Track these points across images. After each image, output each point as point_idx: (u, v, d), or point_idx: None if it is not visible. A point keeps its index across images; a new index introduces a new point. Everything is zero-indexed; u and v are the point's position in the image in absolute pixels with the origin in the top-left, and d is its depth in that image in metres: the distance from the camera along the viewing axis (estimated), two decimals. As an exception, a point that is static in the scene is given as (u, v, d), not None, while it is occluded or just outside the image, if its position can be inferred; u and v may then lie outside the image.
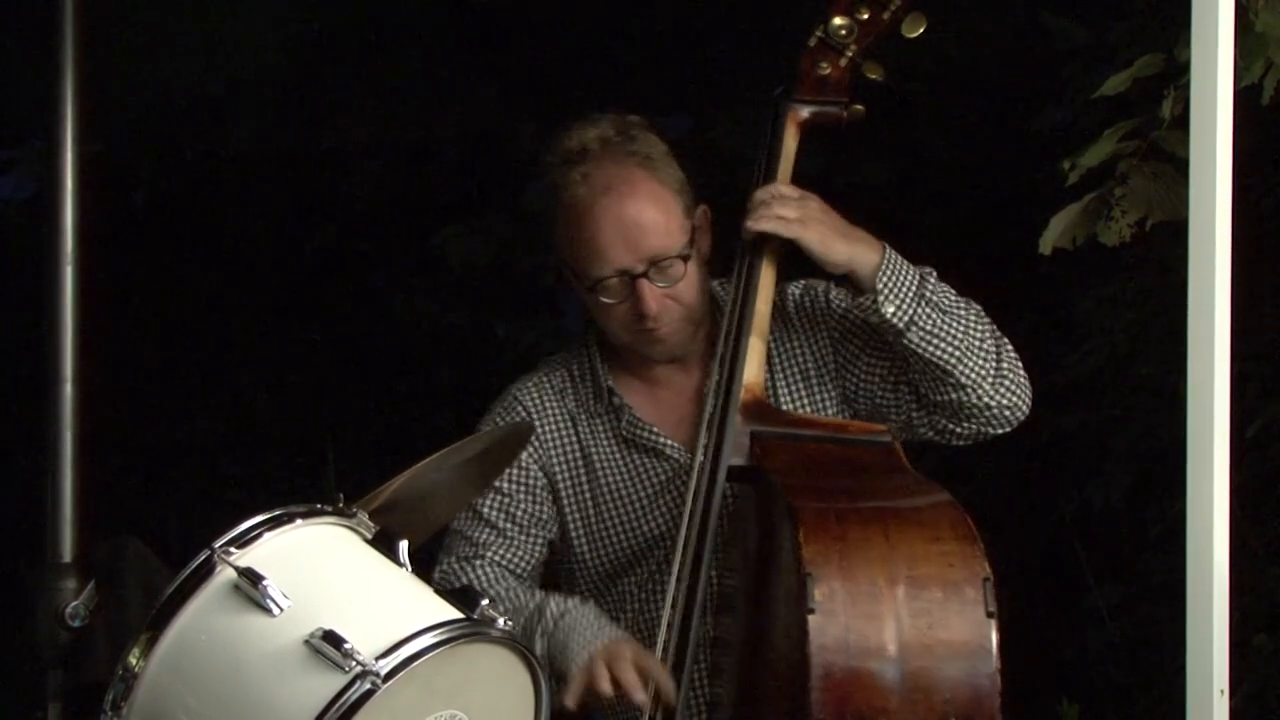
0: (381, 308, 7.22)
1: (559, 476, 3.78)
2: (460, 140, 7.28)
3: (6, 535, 5.29)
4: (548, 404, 3.81)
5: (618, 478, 3.77)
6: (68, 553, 4.59)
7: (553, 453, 3.79)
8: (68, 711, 4.17)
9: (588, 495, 3.78)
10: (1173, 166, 4.27)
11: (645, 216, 3.64)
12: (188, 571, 2.97)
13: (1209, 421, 3.42)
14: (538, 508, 3.78)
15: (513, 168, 7.30)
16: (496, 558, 3.76)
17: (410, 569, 3.08)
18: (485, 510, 3.77)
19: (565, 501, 3.78)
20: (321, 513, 3.09)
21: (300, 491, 3.21)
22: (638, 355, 3.76)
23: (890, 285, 3.56)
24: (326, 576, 3.04)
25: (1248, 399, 4.81)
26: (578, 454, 3.78)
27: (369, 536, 3.11)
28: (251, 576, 2.94)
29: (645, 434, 3.75)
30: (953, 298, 3.62)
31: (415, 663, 2.86)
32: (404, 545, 3.08)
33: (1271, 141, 4.78)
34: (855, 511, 3.38)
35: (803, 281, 3.78)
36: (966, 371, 3.59)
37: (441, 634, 2.90)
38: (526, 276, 7.22)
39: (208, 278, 7.17)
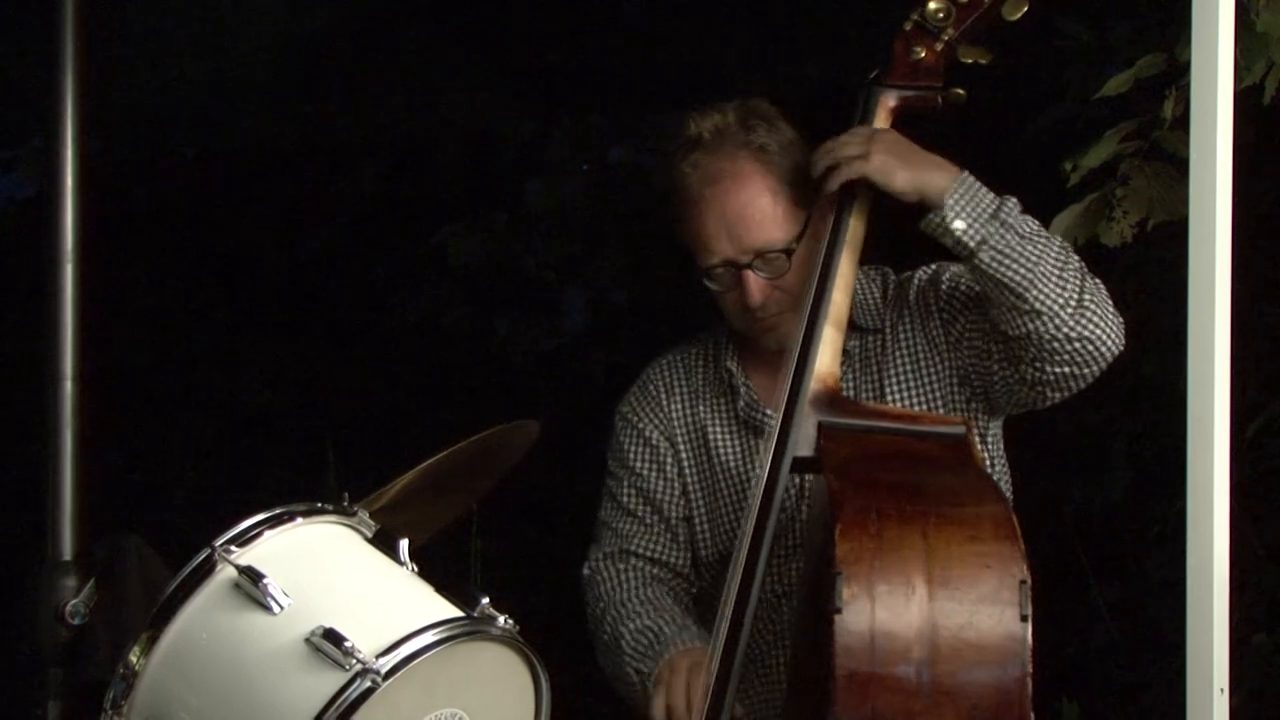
0: (382, 306, 7.22)
1: (682, 451, 3.80)
2: (460, 138, 7.29)
3: (7, 533, 5.29)
4: (676, 381, 3.84)
5: (733, 457, 3.77)
6: (68, 551, 4.59)
7: (676, 428, 3.81)
8: (68, 709, 4.18)
9: (706, 473, 3.79)
10: (1174, 167, 4.26)
11: (750, 209, 3.63)
12: (188, 570, 2.98)
13: (1209, 420, 3.42)
14: (669, 486, 3.80)
15: (513, 166, 7.31)
16: (644, 550, 3.79)
17: (411, 567, 3.08)
18: (624, 496, 3.81)
19: (688, 476, 3.80)
20: (322, 511, 3.10)
21: (301, 490, 3.20)
22: (756, 341, 3.75)
23: (960, 202, 3.48)
24: (327, 575, 3.04)
25: (1247, 398, 4.81)
26: (697, 433, 3.80)
27: (370, 535, 3.12)
28: (252, 575, 2.95)
29: (759, 416, 3.74)
30: (1034, 227, 3.53)
31: (415, 661, 2.87)
32: (405, 544, 3.09)
33: (1273, 141, 4.77)
34: (898, 510, 3.32)
35: (929, 268, 3.74)
36: (1041, 296, 3.47)
37: (441, 632, 2.91)
38: (526, 274, 7.23)
39: (208, 276, 7.19)
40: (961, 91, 3.65)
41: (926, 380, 3.72)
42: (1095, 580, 5.82)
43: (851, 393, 3.69)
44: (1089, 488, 5.87)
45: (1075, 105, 5.06)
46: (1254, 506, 4.95)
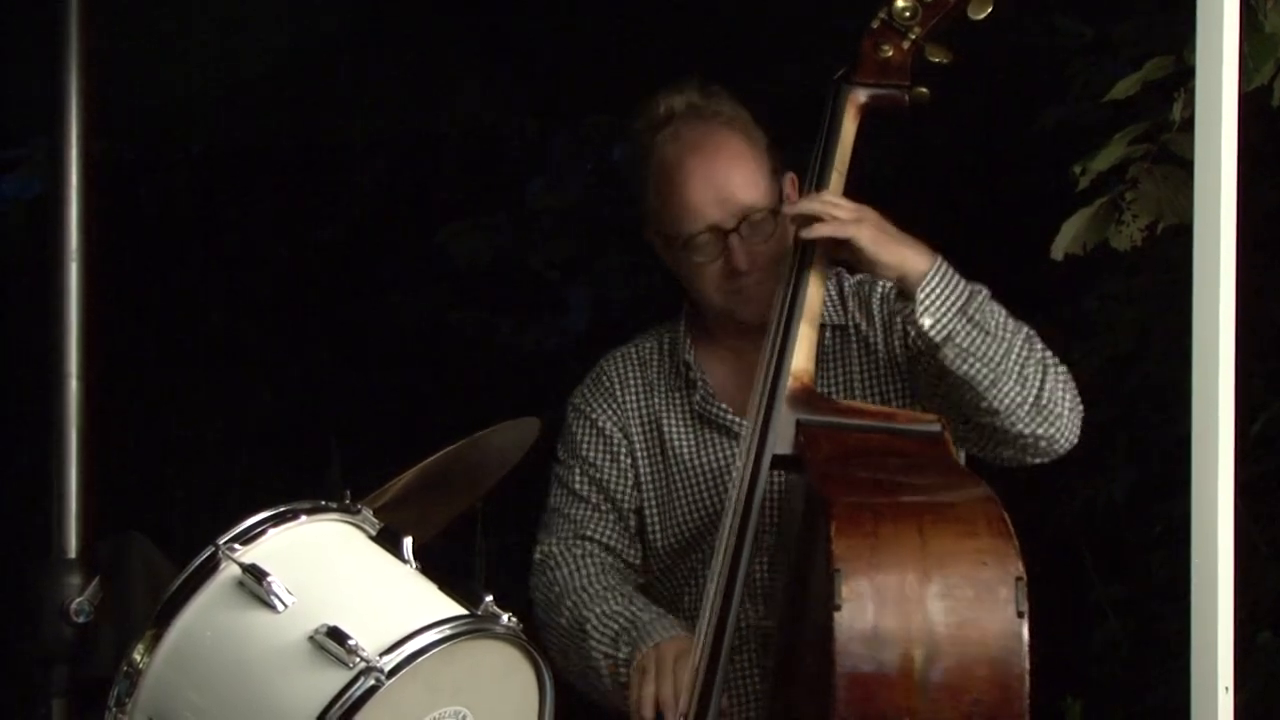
0: (385, 304, 7.23)
1: (636, 443, 3.81)
2: (463, 138, 7.30)
3: (11, 531, 5.29)
4: (630, 373, 3.85)
5: (687, 451, 3.79)
6: (73, 548, 4.58)
7: (631, 420, 3.82)
8: (72, 707, 4.17)
9: (660, 466, 3.80)
10: (1184, 170, 4.25)
11: (735, 173, 3.67)
12: (192, 568, 2.99)
13: (1214, 419, 3.41)
14: (622, 476, 3.81)
15: (515, 165, 7.31)
16: (598, 536, 3.80)
17: (415, 566, 3.08)
18: (575, 483, 3.82)
19: (641, 467, 3.81)
20: (326, 510, 3.10)
21: (304, 488, 3.20)
22: (725, 326, 3.76)
23: (932, 297, 3.52)
24: (331, 573, 3.04)
25: (1252, 397, 4.81)
26: (651, 425, 3.81)
27: (373, 533, 3.11)
28: (256, 573, 2.95)
29: (716, 410, 3.76)
30: (1000, 319, 3.56)
31: (419, 659, 2.87)
32: (408, 542, 3.09)
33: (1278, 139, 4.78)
34: (890, 506, 3.32)
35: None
36: (1000, 396, 3.54)
37: (445, 630, 2.91)
38: (529, 273, 7.23)
39: (212, 275, 7.18)
40: (926, 91, 3.68)
41: (888, 383, 3.76)
42: (1099, 579, 5.82)
43: (820, 388, 3.69)
44: (1093, 486, 5.86)
45: (1080, 105, 5.06)
46: (1258, 506, 4.95)
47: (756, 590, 3.64)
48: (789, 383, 3.53)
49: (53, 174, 4.76)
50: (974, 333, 3.53)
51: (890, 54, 3.65)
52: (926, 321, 3.52)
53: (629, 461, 3.82)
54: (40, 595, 4.55)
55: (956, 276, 3.55)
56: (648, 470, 3.81)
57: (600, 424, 3.82)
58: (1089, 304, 5.63)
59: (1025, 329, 3.61)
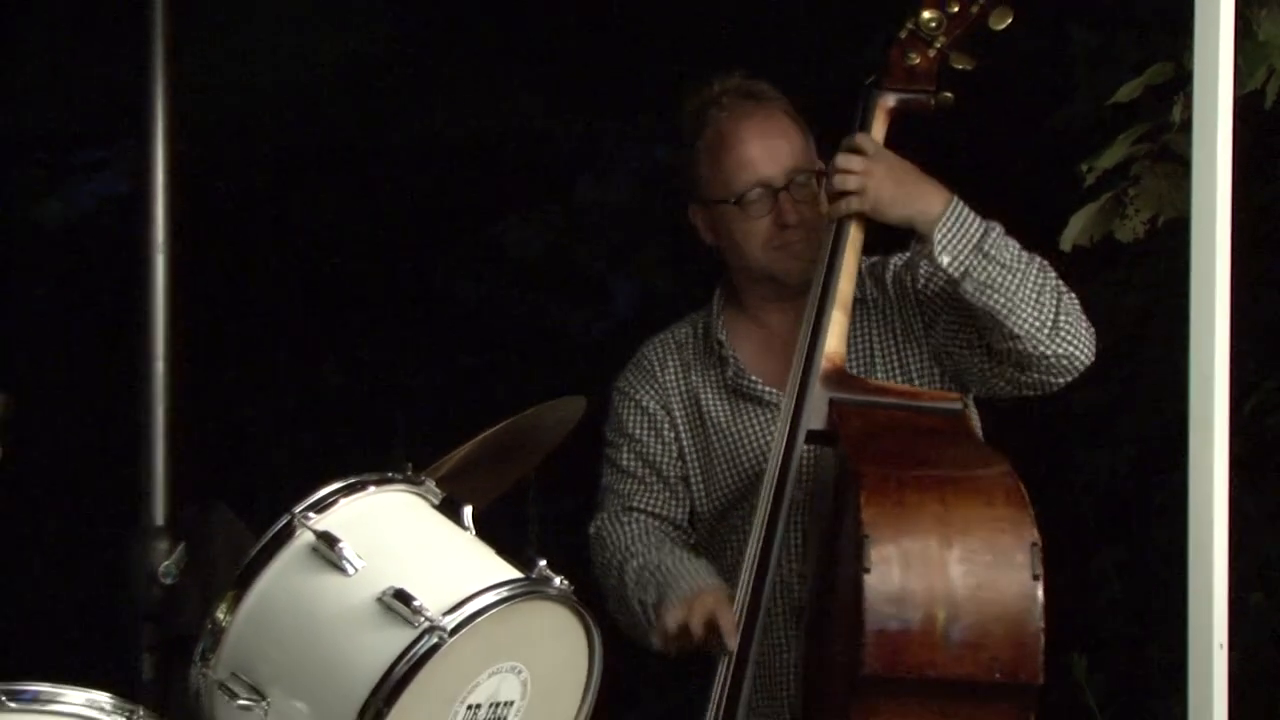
0: (446, 292, 7.23)
1: (678, 417, 3.81)
2: (517, 139, 7.28)
3: (105, 501, 5.31)
4: (668, 356, 3.85)
5: (724, 421, 3.78)
6: (160, 517, 4.62)
7: (672, 398, 3.82)
8: (160, 661, 4.19)
9: (700, 437, 3.80)
10: (1183, 168, 4.24)
11: (783, 137, 3.72)
12: (270, 534, 2.99)
13: (1209, 397, 3.41)
14: (666, 450, 3.81)
15: (565, 163, 7.31)
16: (645, 506, 3.80)
17: (474, 532, 3.09)
18: (624, 461, 3.83)
19: (684, 439, 3.81)
20: (392, 480, 3.10)
21: (372, 461, 3.21)
22: (761, 294, 3.77)
23: (948, 237, 3.53)
24: (397, 539, 3.05)
25: (1245, 377, 4.78)
26: (690, 400, 3.81)
27: (436, 502, 3.12)
28: (328, 539, 2.95)
29: (746, 383, 3.77)
30: (1014, 252, 3.57)
31: (479, 618, 2.87)
32: (468, 510, 3.09)
33: (1272, 142, 4.76)
34: (915, 478, 3.34)
35: (902, 255, 3.77)
36: (1020, 321, 3.54)
37: (503, 592, 2.91)
38: (578, 263, 7.23)
39: (287, 265, 7.19)
40: (950, 95, 3.67)
41: (907, 356, 3.75)
42: (1103, 545, 5.80)
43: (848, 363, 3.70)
44: (1097, 459, 5.85)
45: (1087, 108, 5.04)
46: (1250, 477, 4.92)
47: (791, 552, 3.64)
48: (822, 364, 3.55)
49: (140, 172, 4.78)
50: (990, 266, 3.54)
51: (917, 61, 3.64)
52: (945, 259, 3.53)
53: (672, 435, 3.82)
54: (131, 560, 4.58)
55: (971, 215, 3.56)
56: (690, 442, 3.81)
57: (643, 403, 3.83)
58: (1094, 291, 5.60)
59: (1038, 259, 3.61)
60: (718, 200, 3.74)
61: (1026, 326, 3.55)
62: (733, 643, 3.48)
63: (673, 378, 3.84)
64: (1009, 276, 3.55)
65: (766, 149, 3.70)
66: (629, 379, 3.87)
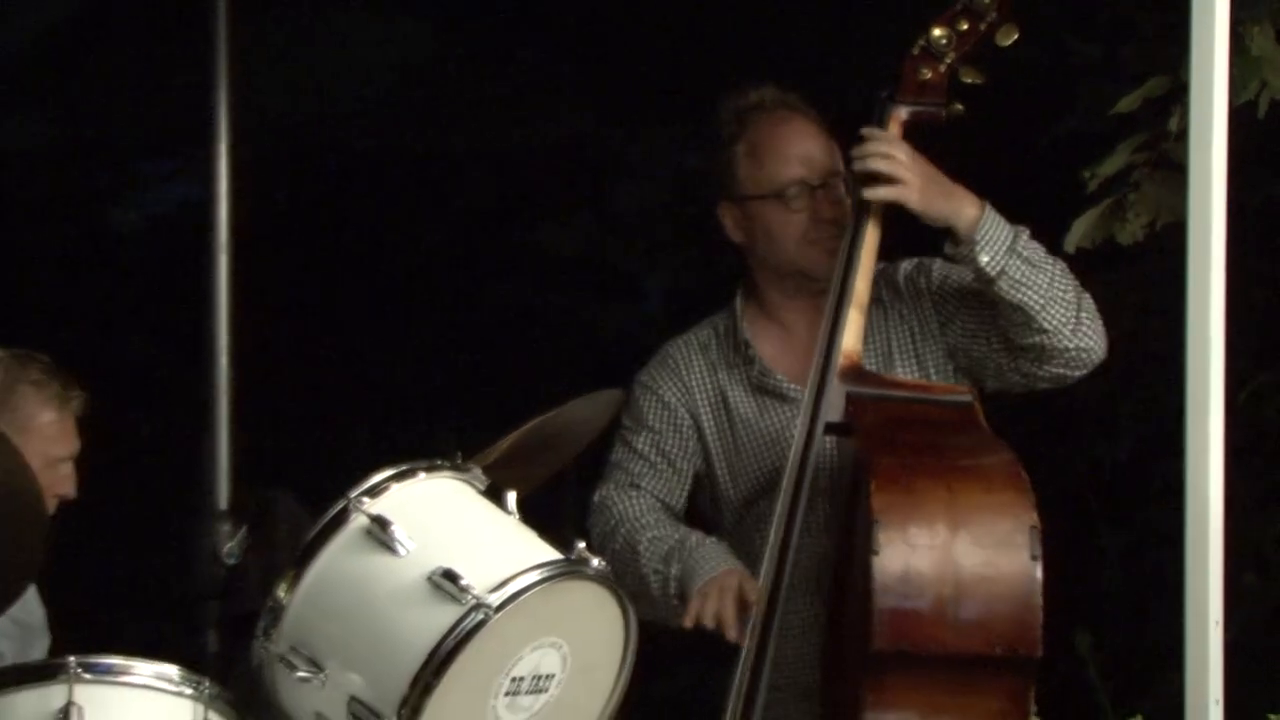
0: (490, 291, 7.23)
1: (703, 417, 3.78)
2: (556, 147, 7.28)
3: (173, 487, 5.34)
4: (693, 357, 3.82)
5: (751, 416, 3.76)
6: (224, 501, 4.64)
7: (697, 397, 3.79)
8: (225, 636, 4.21)
9: (728, 432, 3.78)
10: (1180, 174, 4.23)
11: (819, 140, 3.73)
12: (327, 518, 3.00)
13: (1206, 389, 3.40)
14: (683, 444, 3.78)
15: (600, 170, 7.31)
16: (651, 488, 3.78)
17: (517, 516, 3.09)
18: (639, 445, 3.79)
19: (709, 438, 3.78)
20: (441, 468, 3.10)
21: (422, 450, 3.21)
22: (784, 291, 3.75)
23: (986, 238, 3.54)
24: (445, 522, 3.05)
25: (1239, 369, 4.77)
26: (718, 398, 3.79)
27: (482, 488, 3.12)
28: (381, 522, 2.96)
29: (771, 381, 3.75)
30: (1042, 254, 3.59)
31: (522, 596, 2.88)
32: (512, 495, 3.09)
33: (1263, 150, 4.74)
34: (924, 466, 3.35)
35: (913, 260, 3.77)
36: (1049, 317, 3.55)
37: (544, 571, 2.92)
38: (612, 264, 7.23)
39: (342, 266, 7.20)
40: (961, 107, 3.67)
41: (923, 352, 3.74)
42: (1106, 528, 5.79)
43: (866, 360, 3.69)
44: (1100, 447, 5.83)
45: (1090, 118, 5.03)
46: (1244, 464, 4.91)
47: (812, 537, 3.64)
48: (840, 360, 3.55)
49: (206, 180, 4.81)
50: (1023, 266, 3.55)
51: (929, 76, 3.64)
52: (984, 259, 3.53)
53: (691, 431, 3.79)
54: (196, 542, 4.60)
55: (1002, 220, 3.57)
56: (716, 438, 3.78)
57: (665, 398, 3.79)
58: (1097, 290, 5.58)
59: (1060, 261, 3.63)
60: (757, 196, 3.72)
61: (1055, 322, 3.55)
62: (748, 632, 3.48)
63: (699, 378, 3.81)
64: (1040, 275, 3.56)
65: (806, 150, 3.70)
66: (652, 374, 3.83)
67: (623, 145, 7.23)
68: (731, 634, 3.49)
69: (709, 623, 3.50)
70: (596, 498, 3.79)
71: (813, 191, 3.69)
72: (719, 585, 3.53)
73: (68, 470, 3.74)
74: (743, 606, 3.49)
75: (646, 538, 3.67)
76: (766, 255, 3.76)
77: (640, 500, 3.76)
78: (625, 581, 3.59)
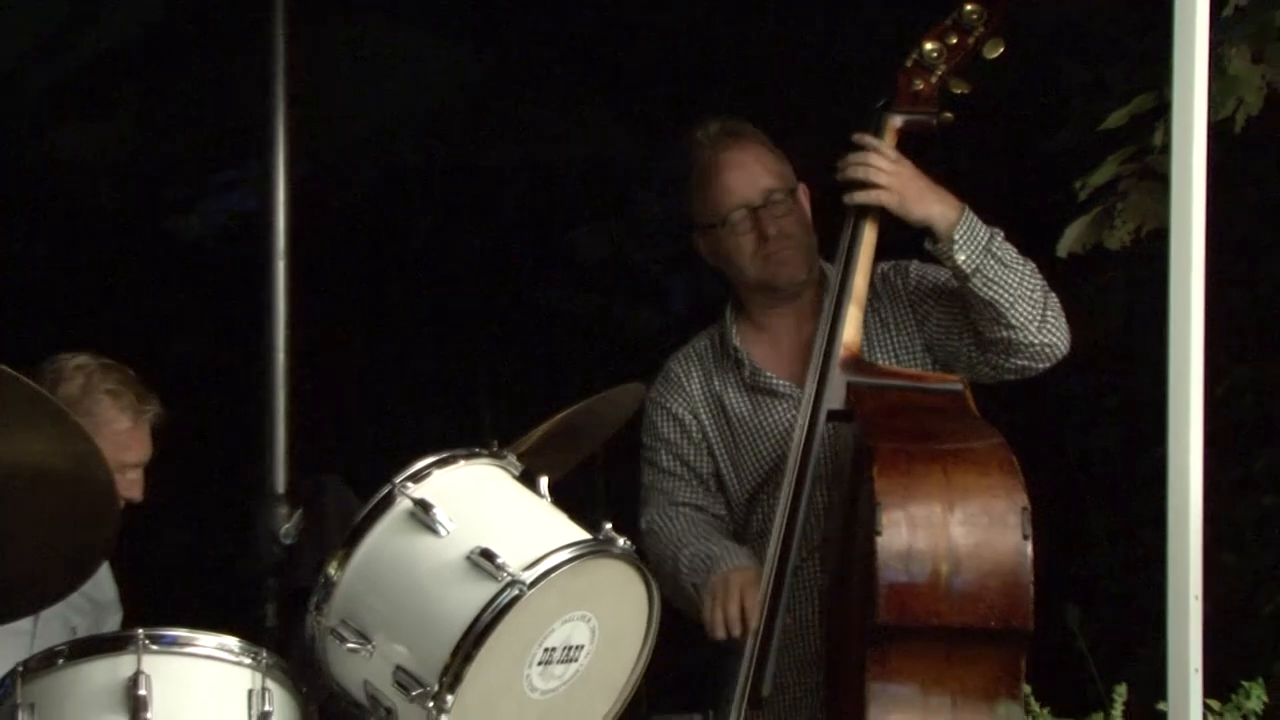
0: (524, 293, 7.24)
1: (705, 419, 3.79)
2: (585, 159, 7.28)
3: (234, 472, 5.34)
4: (691, 367, 3.83)
5: (747, 415, 3.76)
6: (281, 485, 4.64)
7: (698, 403, 3.80)
8: (281, 610, 4.21)
9: (727, 431, 3.78)
10: (1164, 185, 4.21)
11: (758, 161, 3.71)
12: (374, 501, 3.00)
13: (1186, 381, 3.38)
14: (697, 449, 3.79)
15: (627, 179, 7.31)
16: (688, 499, 3.78)
17: (549, 500, 3.09)
18: (662, 462, 3.79)
19: (711, 438, 3.78)
20: (479, 455, 3.10)
21: (462, 438, 3.21)
22: (763, 301, 3.75)
23: (964, 238, 3.54)
24: (483, 505, 3.05)
25: (1217, 364, 4.75)
26: (714, 401, 3.79)
27: (516, 474, 3.11)
28: (424, 505, 2.96)
29: (763, 379, 3.75)
30: (1014, 255, 3.59)
31: (554, 573, 2.88)
32: (544, 481, 3.09)
33: (1239, 162, 4.74)
34: (922, 451, 3.34)
35: (890, 262, 3.76)
36: (1018, 314, 3.56)
37: (574, 550, 2.92)
38: (638, 268, 7.23)
39: (389, 271, 7.21)
40: (951, 116, 3.67)
41: (899, 347, 3.73)
42: (1095, 511, 5.78)
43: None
44: (1090, 437, 5.84)
45: (1080, 133, 5.02)
46: (1222, 451, 4.88)
47: (814, 519, 3.63)
48: (841, 352, 3.56)
49: (264, 190, 4.81)
50: (996, 265, 3.55)
51: (921, 87, 3.64)
52: (960, 257, 3.53)
53: (700, 436, 3.79)
54: (255, 523, 4.60)
55: (979, 222, 3.58)
56: (717, 438, 3.78)
57: (674, 410, 3.80)
58: (1087, 291, 5.57)
59: (1030, 263, 3.63)
60: (709, 225, 3.73)
61: (1022, 318, 3.56)
62: (753, 620, 3.48)
63: (698, 386, 3.81)
64: (1011, 275, 3.56)
65: (742, 175, 3.68)
66: (659, 390, 3.84)
67: (647, 158, 7.23)
68: (735, 631, 3.50)
69: (729, 631, 3.51)
70: (643, 524, 3.79)
71: (755, 212, 3.67)
72: (721, 585, 3.53)
73: (135, 476, 3.72)
74: (742, 599, 3.49)
75: (685, 555, 3.67)
76: (732, 274, 3.78)
77: (679, 519, 3.75)
78: (678, 598, 3.61)
